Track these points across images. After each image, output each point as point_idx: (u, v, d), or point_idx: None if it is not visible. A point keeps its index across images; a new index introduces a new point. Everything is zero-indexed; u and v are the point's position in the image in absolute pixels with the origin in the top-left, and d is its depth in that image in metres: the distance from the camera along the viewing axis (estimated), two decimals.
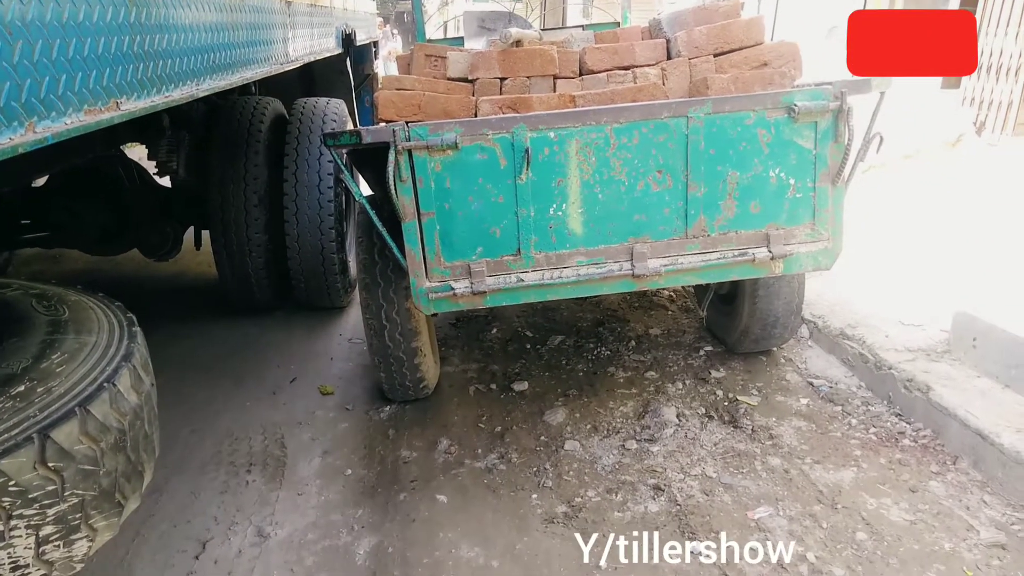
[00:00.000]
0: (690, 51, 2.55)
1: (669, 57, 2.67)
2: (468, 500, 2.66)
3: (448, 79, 2.61)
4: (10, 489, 1.17)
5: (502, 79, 2.54)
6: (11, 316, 1.62)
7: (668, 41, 2.70)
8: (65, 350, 1.48)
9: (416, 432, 3.16)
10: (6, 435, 1.21)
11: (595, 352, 3.81)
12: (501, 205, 2.26)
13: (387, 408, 3.36)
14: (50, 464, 1.23)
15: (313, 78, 5.24)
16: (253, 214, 3.92)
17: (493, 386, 3.53)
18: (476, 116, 2.39)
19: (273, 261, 4.12)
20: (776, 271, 2.40)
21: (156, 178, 4.27)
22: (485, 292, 2.30)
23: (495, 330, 4.18)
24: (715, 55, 2.53)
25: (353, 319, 4.45)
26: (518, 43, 2.63)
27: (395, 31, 16.18)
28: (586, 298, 4.52)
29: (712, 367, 3.57)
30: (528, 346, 3.95)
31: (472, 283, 2.30)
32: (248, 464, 2.94)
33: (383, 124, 2.20)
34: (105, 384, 1.40)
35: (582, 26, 4.56)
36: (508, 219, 2.28)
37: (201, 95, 1.76)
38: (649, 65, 2.57)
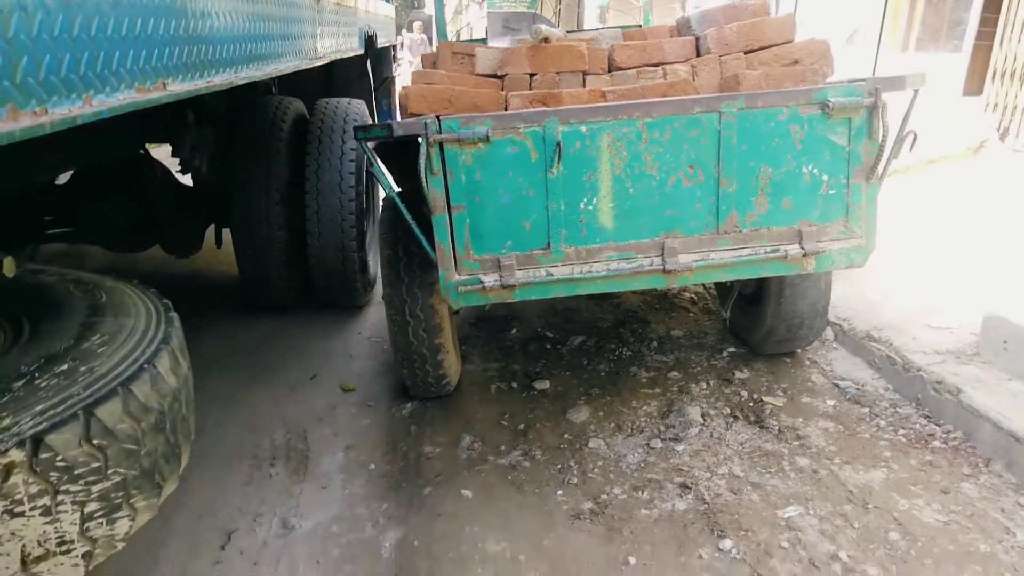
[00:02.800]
0: (720, 48, 2.55)
1: (698, 54, 2.67)
2: (493, 496, 2.64)
3: (476, 75, 2.61)
4: (57, 464, 1.17)
5: (531, 75, 2.54)
6: (50, 299, 1.63)
7: (697, 39, 2.69)
8: (105, 332, 1.49)
9: (439, 428, 3.16)
10: (52, 411, 1.21)
11: (617, 352, 3.79)
12: (531, 199, 2.26)
13: (409, 405, 3.35)
14: (95, 441, 1.23)
15: (333, 79, 5.27)
16: (274, 212, 3.93)
17: (515, 384, 3.52)
18: (506, 110, 2.39)
19: (294, 259, 4.13)
20: (808, 268, 2.38)
21: (178, 176, 4.30)
22: (514, 286, 2.30)
23: (515, 330, 4.17)
24: (745, 52, 2.53)
25: (372, 318, 4.46)
26: (546, 40, 2.63)
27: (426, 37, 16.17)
28: (606, 299, 4.51)
29: (736, 368, 3.54)
30: (549, 346, 3.94)
31: (502, 277, 2.29)
32: (271, 457, 2.94)
33: (414, 118, 2.20)
34: (145, 365, 1.41)
35: (598, 28, 4.57)
36: (538, 213, 2.27)
37: (239, 83, 1.77)
38: (679, 62, 2.57)
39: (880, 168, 2.30)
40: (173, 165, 4.32)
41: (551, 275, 2.32)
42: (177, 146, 3.70)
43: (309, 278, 4.26)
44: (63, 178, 4.09)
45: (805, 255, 2.34)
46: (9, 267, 1.29)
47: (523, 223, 2.28)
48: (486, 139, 2.14)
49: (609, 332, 4.05)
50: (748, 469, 2.72)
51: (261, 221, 3.92)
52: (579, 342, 3.95)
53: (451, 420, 3.22)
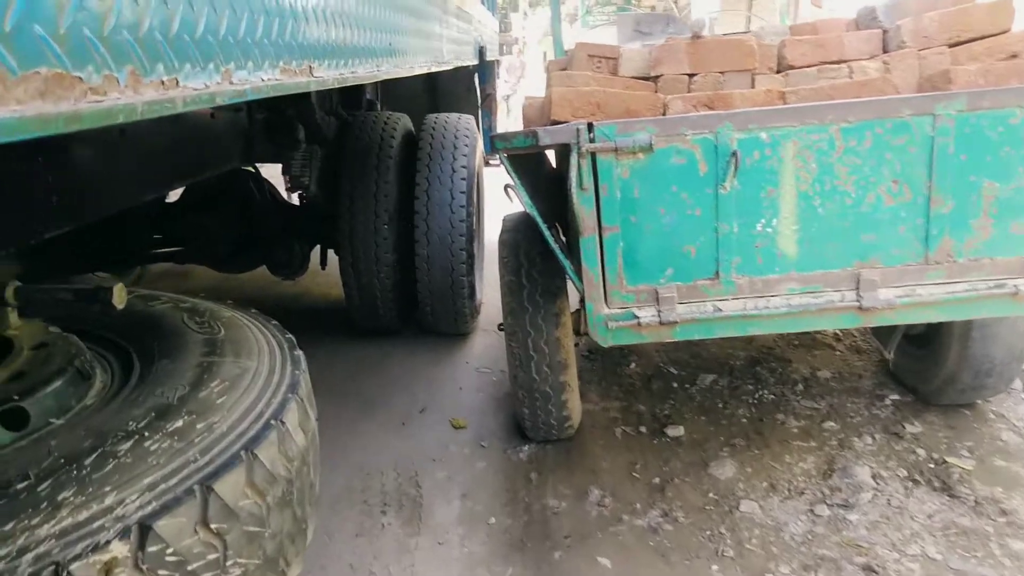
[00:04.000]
0: (918, 41, 2.14)
1: (885, 50, 2.26)
2: (635, 566, 2.28)
3: (621, 78, 2.30)
4: (167, 559, 0.90)
5: (690, 76, 2.21)
6: (162, 333, 1.39)
7: (885, 32, 2.29)
8: (224, 377, 1.23)
9: (562, 477, 2.82)
10: (163, 486, 0.95)
11: (756, 396, 3.36)
12: (698, 219, 1.91)
13: (526, 447, 3.03)
14: (213, 525, 0.96)
15: (437, 94, 5.09)
16: (383, 233, 3.73)
17: (642, 429, 3.14)
18: (664, 115, 2.06)
19: (401, 283, 3.91)
20: None
21: (284, 195, 4.19)
22: (675, 322, 1.94)
23: (633, 364, 3.79)
24: (950, 46, 2.11)
25: (479, 346, 4.18)
26: (696, 37, 2.29)
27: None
28: None
29: (904, 420, 3.04)
30: (675, 384, 3.54)
31: (660, 311, 1.94)
32: (382, 504, 2.67)
33: (562, 124, 1.90)
34: (272, 422, 1.13)
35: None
36: (705, 236, 1.92)
37: (381, 77, 1.53)
38: (864, 59, 2.17)
39: None
40: (279, 184, 4.22)
41: (719, 310, 1.95)
42: (287, 163, 3.55)
43: (415, 302, 4.04)
44: (172, 196, 4.03)
45: None
46: (120, 297, 1.06)
47: (687, 248, 1.93)
48: (648, 148, 1.81)
49: (743, 371, 3.62)
50: (946, 551, 2.24)
51: (369, 242, 3.72)
52: (710, 381, 3.53)
53: (575, 468, 2.88)
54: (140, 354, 1.34)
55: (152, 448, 1.01)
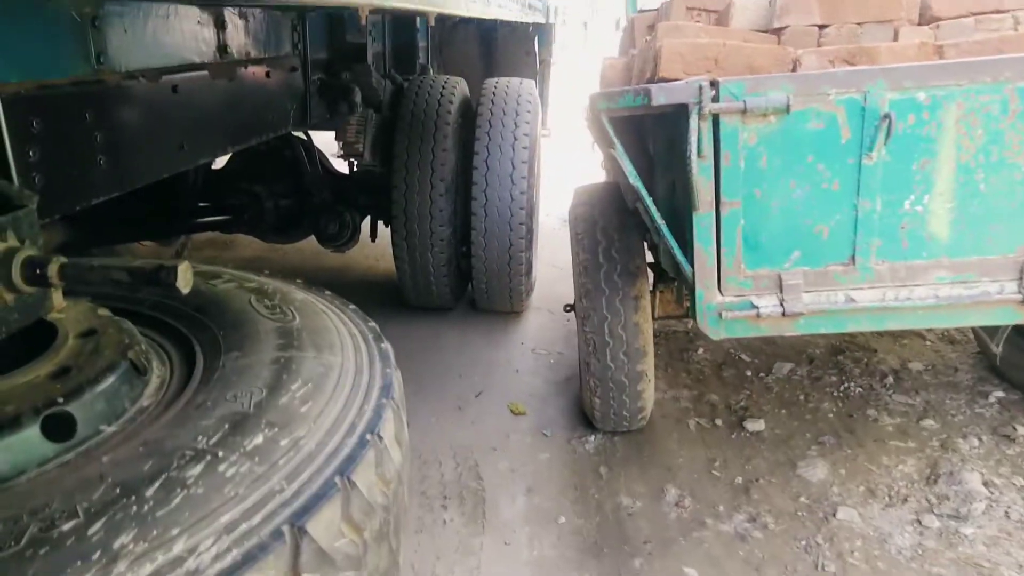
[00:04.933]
0: None
1: None
2: None
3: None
4: None
5: (820, 27, 1.91)
6: (229, 318, 1.17)
7: None
8: (307, 377, 1.01)
9: (634, 474, 2.59)
10: (245, 526, 0.73)
11: (842, 388, 3.09)
12: (835, 194, 1.63)
13: (592, 438, 2.81)
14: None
15: (493, 58, 4.80)
16: (439, 204, 3.50)
17: (718, 421, 2.89)
18: (794, 72, 1.77)
19: (455, 258, 3.69)
20: None
21: (334, 164, 3.97)
22: (800, 313, 1.68)
23: (701, 350, 3.54)
24: None
25: (533, 325, 3.96)
26: None
27: None
28: None
29: (1015, 420, 2.76)
30: (748, 373, 3.28)
31: (783, 300, 1.68)
32: (443, 497, 2.47)
33: (680, 81, 1.63)
34: (368, 436, 0.91)
35: None
36: (842, 214, 1.64)
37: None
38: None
39: None
40: (330, 152, 4.00)
41: (853, 301, 1.68)
42: (340, 128, 3.33)
43: (468, 278, 3.81)
44: (219, 163, 3.83)
45: None
46: (186, 279, 0.84)
47: (818, 228, 1.66)
48: (785, 110, 1.53)
49: (825, 360, 3.34)
50: None
51: (424, 215, 3.50)
52: (787, 371, 3.26)
53: (647, 463, 2.65)
54: (203, 344, 1.13)
55: (228, 474, 0.79)
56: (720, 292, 1.71)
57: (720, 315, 1.71)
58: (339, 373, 1.03)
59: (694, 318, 1.74)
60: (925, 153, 1.59)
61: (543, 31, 4.83)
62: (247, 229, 3.73)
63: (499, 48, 4.64)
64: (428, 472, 2.61)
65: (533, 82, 4.01)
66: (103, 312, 1.14)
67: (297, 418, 0.91)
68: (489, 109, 3.64)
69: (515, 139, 3.56)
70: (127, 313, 1.21)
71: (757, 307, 1.69)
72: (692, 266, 1.69)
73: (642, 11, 3.85)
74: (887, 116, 1.54)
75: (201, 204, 3.75)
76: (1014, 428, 2.70)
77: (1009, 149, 1.58)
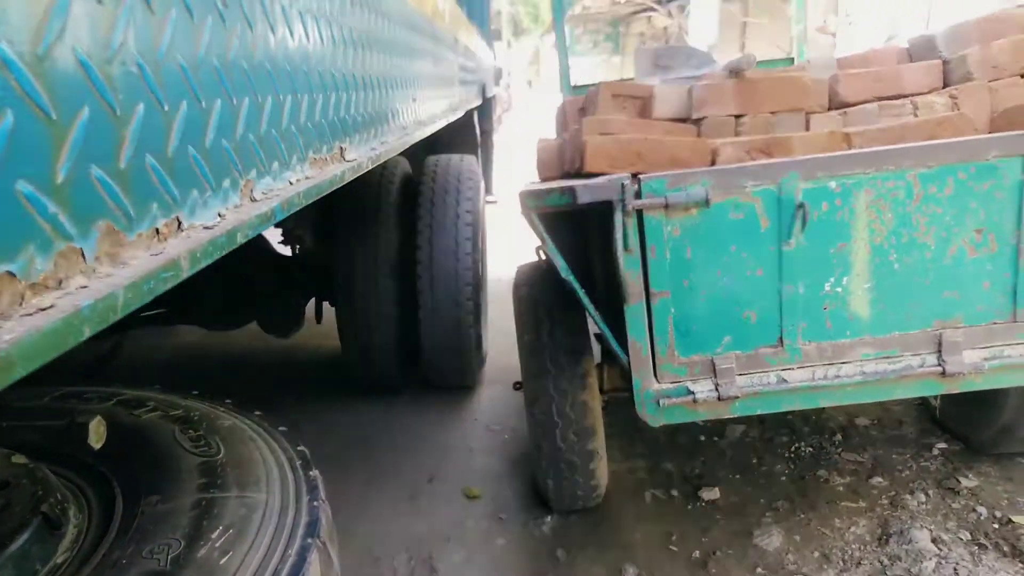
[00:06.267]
0: (986, 72, 1.95)
1: (947, 83, 2.07)
2: None
3: (658, 121, 2.09)
4: None
5: (737, 117, 2.00)
6: (150, 456, 1.13)
7: (945, 62, 2.11)
8: (229, 522, 0.97)
9: (592, 555, 2.55)
10: None
11: (793, 448, 3.12)
12: (759, 280, 1.69)
13: (548, 519, 2.77)
14: None
15: (437, 134, 4.87)
16: (383, 284, 3.48)
17: (674, 492, 2.89)
18: (713, 164, 1.85)
19: (403, 336, 3.66)
20: None
21: (276, 247, 3.94)
22: (736, 396, 1.71)
23: None
24: (1023, 76, 1.92)
25: (487, 400, 3.93)
26: (737, 74, 2.09)
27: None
28: None
29: (958, 473, 2.82)
30: (702, 438, 3.30)
31: (718, 384, 1.71)
32: None
33: (603, 179, 1.68)
34: None
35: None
36: (768, 298, 1.69)
37: (408, 144, 1.29)
38: (925, 93, 1.98)
39: None
40: (271, 236, 3.98)
41: (785, 381, 1.72)
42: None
43: (418, 355, 3.78)
44: None
45: None
46: (98, 435, 0.81)
47: (746, 313, 1.71)
48: (705, 203, 1.59)
49: (776, 420, 3.38)
50: None
51: (369, 295, 3.47)
52: (740, 433, 3.30)
53: (605, 543, 2.62)
54: (124, 485, 1.08)
55: None
56: (656, 379, 1.73)
57: (658, 402, 1.73)
58: (263, 513, 1.00)
59: (634, 405, 1.76)
60: (840, 237, 1.67)
61: (484, 106, 4.95)
62: (186, 320, 3.65)
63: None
64: (381, 571, 2.53)
65: (474, 157, 4.08)
66: (18, 459, 1.09)
67: (216, 573, 0.88)
68: (431, 187, 3.69)
69: (458, 216, 3.60)
70: (46, 454, 1.16)
71: (693, 392, 1.72)
72: (627, 355, 1.72)
73: (576, 87, 3.99)
74: (802, 205, 1.61)
75: None
76: (957, 480, 2.76)
77: (917, 230, 1.67)
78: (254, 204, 0.53)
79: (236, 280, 3.64)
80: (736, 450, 3.17)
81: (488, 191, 4.54)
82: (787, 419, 3.37)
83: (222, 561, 0.90)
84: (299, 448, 1.23)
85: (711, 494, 2.82)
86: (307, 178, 0.64)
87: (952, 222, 1.66)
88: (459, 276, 3.54)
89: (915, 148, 1.61)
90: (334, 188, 0.79)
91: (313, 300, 4.01)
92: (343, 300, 3.52)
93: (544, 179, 2.48)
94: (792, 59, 3.94)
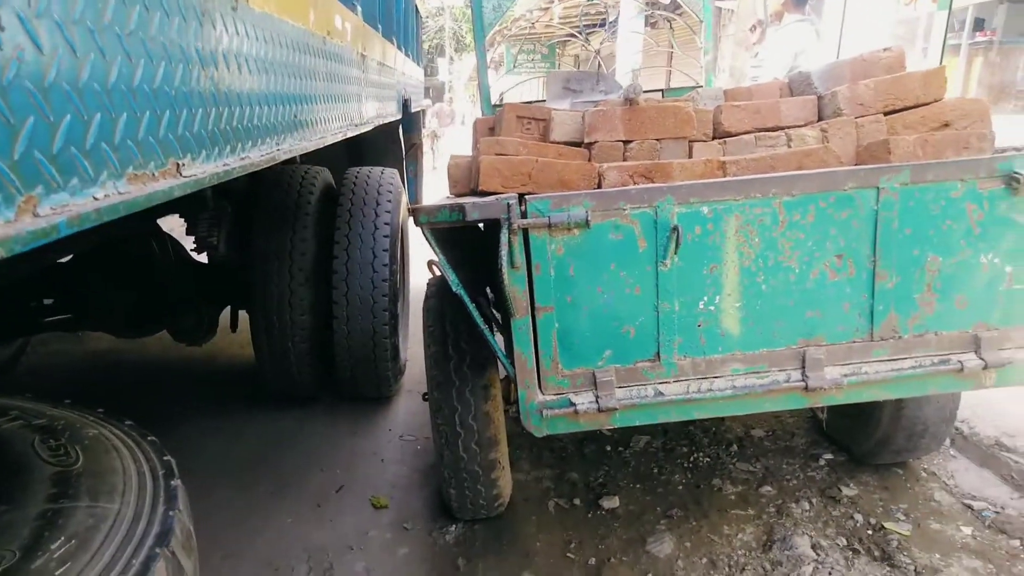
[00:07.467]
0: (853, 109, 2.10)
1: (821, 117, 2.23)
2: None
3: (553, 144, 2.17)
4: None
5: (626, 142, 2.10)
6: (6, 465, 1.12)
7: (820, 98, 2.26)
8: (72, 532, 0.98)
9: (492, 563, 2.60)
10: None
11: (692, 459, 3.25)
12: (637, 298, 1.77)
13: (453, 528, 2.80)
14: None
15: (361, 146, 4.89)
16: (298, 293, 3.47)
17: (576, 501, 2.97)
18: (599, 187, 1.94)
19: (317, 346, 3.64)
20: (988, 383, 1.87)
21: (192, 254, 3.87)
22: (615, 408, 1.79)
23: None
24: (885, 113, 2.08)
25: (403, 410, 3.94)
26: (630, 102, 2.20)
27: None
28: None
29: (840, 482, 2.98)
30: (608, 448, 3.40)
31: (598, 397, 1.79)
32: None
33: (491, 198, 1.74)
34: None
35: (662, 90, 4.19)
36: (646, 315, 1.78)
37: (282, 158, 1.32)
38: (800, 126, 2.13)
39: None
40: (186, 240, 3.90)
41: (661, 394, 1.81)
42: (193, 223, 3.26)
43: (333, 366, 3.77)
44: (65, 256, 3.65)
45: (986, 367, 1.83)
46: None
47: (626, 329, 1.79)
48: (585, 224, 1.67)
49: (678, 431, 3.51)
50: None
51: (283, 304, 3.45)
52: (644, 443, 3.41)
53: (506, 551, 2.67)
54: None
55: None
56: (541, 391, 1.80)
57: (542, 413, 1.80)
58: (112, 523, 1.00)
59: (522, 417, 1.82)
60: (712, 259, 1.77)
61: (410, 119, 4.98)
62: (94, 326, 3.54)
63: (365, 137, 4.73)
64: None
65: (395, 171, 4.11)
66: None
67: None
68: (349, 199, 3.69)
69: (376, 228, 3.62)
70: None
71: (575, 404, 1.79)
72: (514, 367, 1.78)
73: (496, 106, 4.07)
74: (676, 228, 1.71)
75: (46, 301, 3.54)
76: (839, 489, 2.93)
77: (783, 254, 1.79)
78: (34, 219, 0.55)
79: (147, 287, 3.56)
80: (639, 460, 3.27)
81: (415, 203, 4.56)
82: (688, 430, 3.50)
83: (58, 572, 0.91)
84: (165, 458, 1.24)
85: (611, 503, 2.91)
86: (119, 193, 0.66)
87: (814, 247, 1.79)
88: (376, 287, 3.55)
89: (780, 178, 1.73)
90: (158, 203, 0.81)
91: (229, 309, 3.96)
92: (257, 308, 3.49)
93: (456, 194, 2.54)
94: (699, 86, 4.12)
